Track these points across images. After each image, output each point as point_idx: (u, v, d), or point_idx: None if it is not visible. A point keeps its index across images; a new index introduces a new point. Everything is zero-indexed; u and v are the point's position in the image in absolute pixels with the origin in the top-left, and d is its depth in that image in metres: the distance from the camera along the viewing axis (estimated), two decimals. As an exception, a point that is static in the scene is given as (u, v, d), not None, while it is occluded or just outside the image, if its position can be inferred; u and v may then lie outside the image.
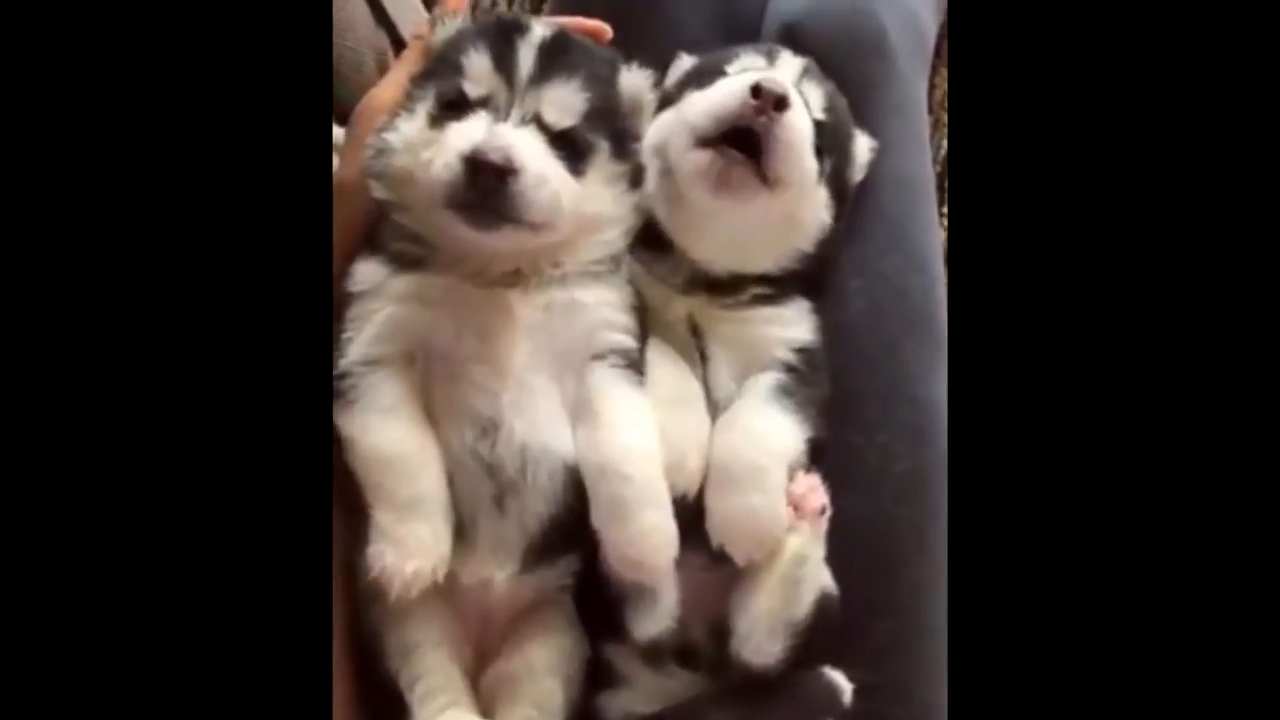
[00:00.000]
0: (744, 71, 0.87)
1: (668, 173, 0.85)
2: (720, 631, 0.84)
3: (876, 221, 0.96)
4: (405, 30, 1.21)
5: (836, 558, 0.85)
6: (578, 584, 0.86)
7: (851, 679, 0.85)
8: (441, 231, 0.80)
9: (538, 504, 0.81)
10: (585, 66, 0.82)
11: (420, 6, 1.30)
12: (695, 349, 0.87)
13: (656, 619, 0.82)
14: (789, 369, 0.86)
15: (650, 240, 0.87)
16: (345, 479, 0.79)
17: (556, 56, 0.81)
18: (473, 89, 0.80)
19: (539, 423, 0.81)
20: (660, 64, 0.91)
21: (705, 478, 0.81)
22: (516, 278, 0.82)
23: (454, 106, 0.80)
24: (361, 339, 0.81)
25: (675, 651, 0.86)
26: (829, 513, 0.82)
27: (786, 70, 0.88)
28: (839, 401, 0.89)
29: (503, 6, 1.75)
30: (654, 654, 0.86)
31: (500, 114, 0.79)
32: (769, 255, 0.88)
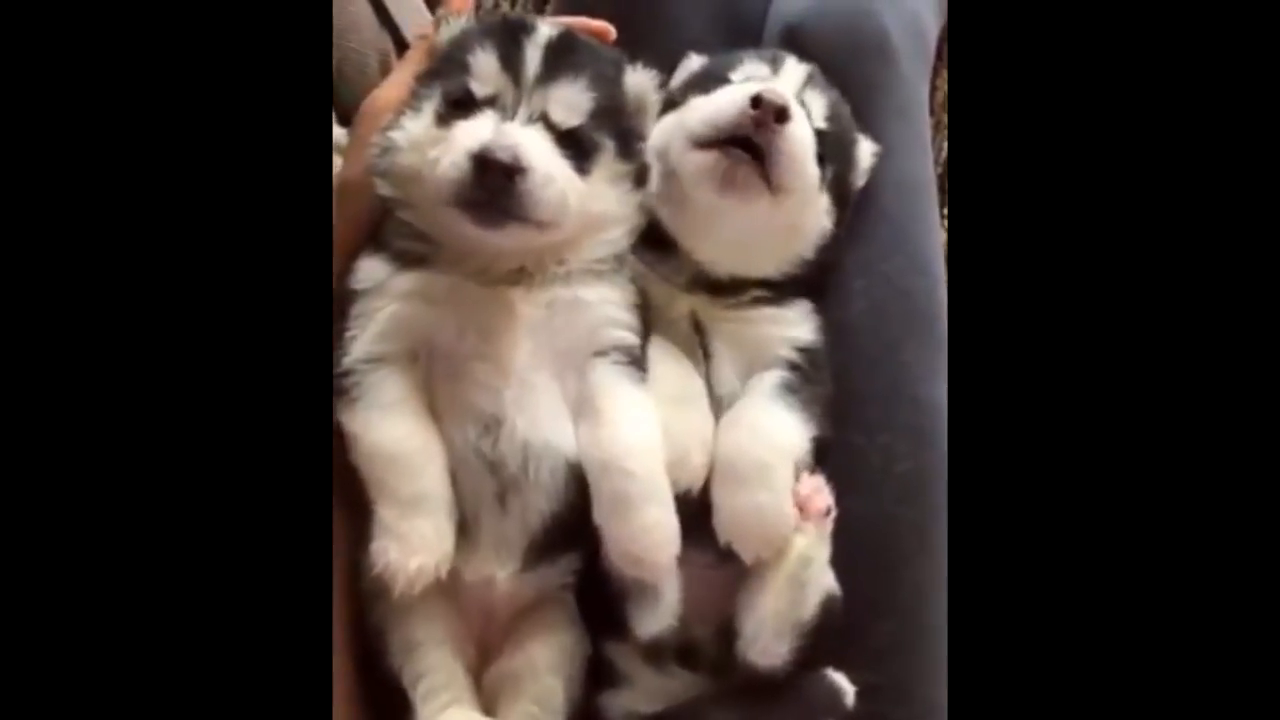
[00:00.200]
0: (747, 80, 0.87)
1: (671, 174, 0.85)
2: (723, 631, 0.84)
3: (879, 223, 0.96)
4: (409, 32, 1.21)
5: (839, 558, 0.85)
6: (580, 582, 0.86)
7: (853, 679, 0.85)
8: (447, 229, 0.81)
9: (540, 501, 0.81)
10: (591, 66, 0.82)
11: (423, 8, 1.30)
12: (698, 346, 0.87)
13: (658, 617, 0.81)
14: (792, 367, 0.86)
15: (654, 240, 0.87)
16: (348, 476, 0.79)
17: (563, 56, 0.81)
18: (480, 88, 0.80)
19: (541, 420, 0.81)
20: (663, 64, 0.91)
21: (710, 475, 0.81)
22: (520, 276, 0.83)
23: (461, 105, 0.80)
24: (365, 336, 0.81)
25: (677, 651, 0.87)
26: (834, 514, 0.82)
27: (790, 78, 0.89)
28: (841, 402, 0.89)
29: (505, 7, 1.75)
30: (655, 653, 0.86)
31: (507, 113, 0.79)
32: (771, 260, 0.88)
